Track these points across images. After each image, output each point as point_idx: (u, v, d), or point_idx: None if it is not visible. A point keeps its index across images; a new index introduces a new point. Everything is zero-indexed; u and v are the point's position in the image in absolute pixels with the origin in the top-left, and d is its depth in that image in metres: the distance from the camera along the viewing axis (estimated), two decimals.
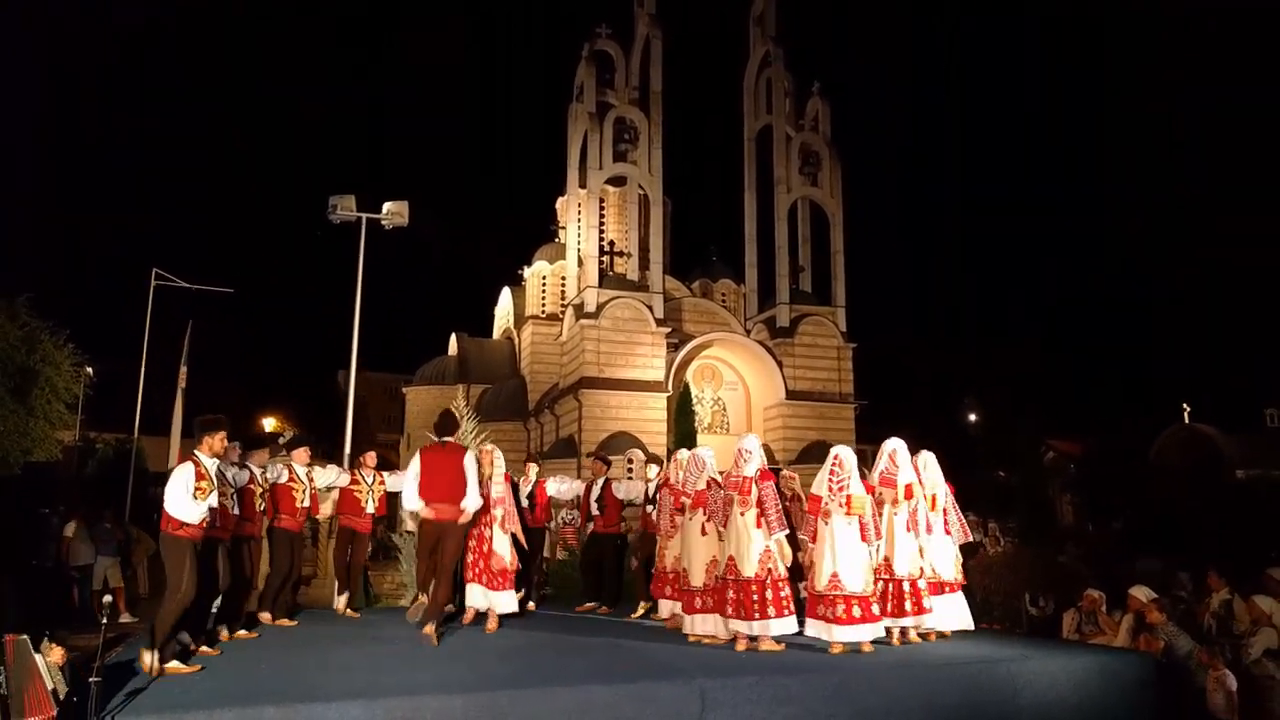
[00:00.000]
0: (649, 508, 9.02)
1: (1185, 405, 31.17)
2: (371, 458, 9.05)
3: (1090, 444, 31.51)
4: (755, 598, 6.60)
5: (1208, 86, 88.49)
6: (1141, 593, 8.08)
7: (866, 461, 7.80)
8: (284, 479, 7.92)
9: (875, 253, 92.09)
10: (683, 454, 7.94)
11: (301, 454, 8.44)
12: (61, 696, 4.56)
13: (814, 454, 27.82)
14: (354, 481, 8.61)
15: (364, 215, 12.41)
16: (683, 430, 26.05)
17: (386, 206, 12.57)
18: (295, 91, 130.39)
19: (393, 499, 9.24)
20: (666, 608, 8.00)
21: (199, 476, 5.74)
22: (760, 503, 6.73)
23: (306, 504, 8.17)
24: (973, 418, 42.13)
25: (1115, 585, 9.23)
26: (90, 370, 20.52)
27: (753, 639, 6.64)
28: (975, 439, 39.46)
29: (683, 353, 30.23)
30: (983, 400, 41.49)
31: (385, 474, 9.02)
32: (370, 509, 8.65)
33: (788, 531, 6.88)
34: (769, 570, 6.67)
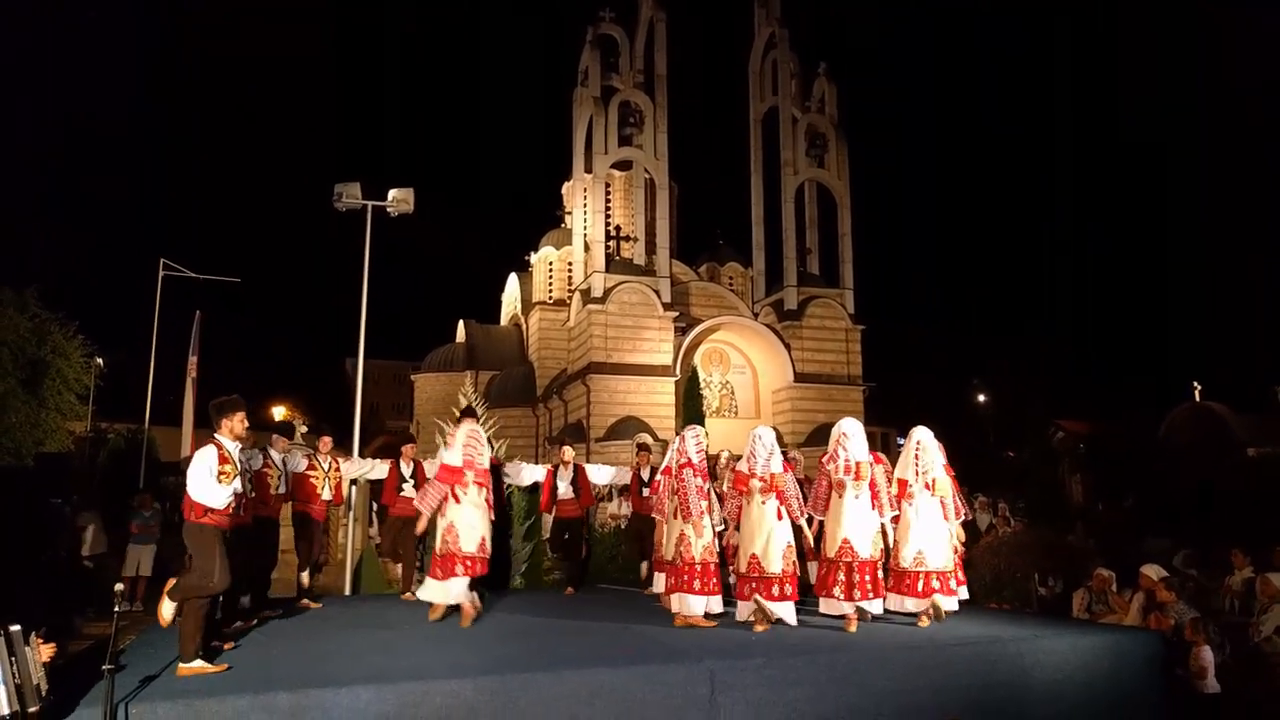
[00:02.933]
0: (644, 491, 9.16)
1: (1195, 384, 30.97)
2: (327, 443, 8.62)
3: (1099, 423, 31.41)
4: (868, 578, 7.01)
5: (1222, 66, 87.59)
6: (1152, 571, 8.06)
7: (875, 444, 7.86)
8: (303, 468, 8.02)
9: (883, 234, 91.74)
10: (690, 432, 7.51)
11: (324, 443, 8.57)
12: (43, 693, 4.47)
13: (822, 437, 27.72)
14: (310, 467, 8.20)
15: (369, 203, 12.38)
16: (691, 414, 26.08)
17: (392, 194, 12.53)
18: (302, 79, 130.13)
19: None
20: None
21: (222, 460, 5.46)
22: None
23: (328, 494, 8.26)
24: (981, 399, 42.06)
25: (1125, 564, 9.22)
26: (100, 361, 20.63)
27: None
28: (984, 420, 39.42)
29: (690, 337, 30.19)
30: (991, 381, 41.39)
31: (341, 459, 8.84)
32: (326, 495, 8.28)
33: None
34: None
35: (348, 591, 10.66)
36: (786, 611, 6.90)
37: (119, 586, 4.83)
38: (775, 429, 30.31)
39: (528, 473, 10.05)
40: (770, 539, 6.94)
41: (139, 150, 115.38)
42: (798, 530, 7.34)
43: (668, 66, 32.05)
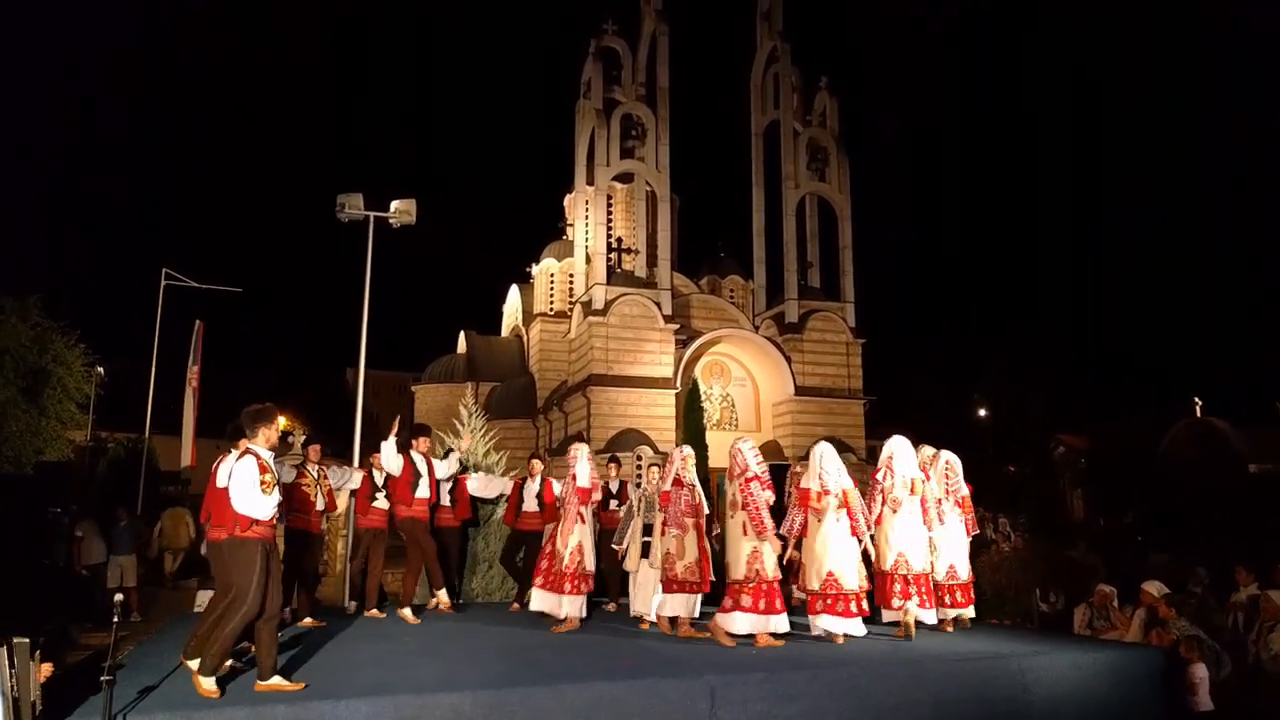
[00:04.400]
0: (611, 503, 9.25)
1: (1196, 399, 30.95)
2: (316, 451, 8.40)
3: (1100, 438, 31.36)
4: (923, 589, 7.37)
5: (1229, 81, 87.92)
6: (1154, 587, 8.04)
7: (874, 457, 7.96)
8: (293, 478, 7.90)
9: (884, 248, 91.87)
10: (747, 444, 7.28)
11: (313, 451, 8.43)
12: (37, 711, 4.39)
13: None
14: (301, 476, 8.03)
15: (372, 214, 12.41)
16: (691, 427, 26.03)
17: (394, 205, 12.55)
18: (304, 89, 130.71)
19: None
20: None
21: (262, 469, 5.30)
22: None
23: (322, 504, 8.16)
24: (982, 412, 41.99)
25: (1127, 579, 9.20)
26: (102, 370, 20.63)
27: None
28: (984, 433, 39.35)
29: (691, 349, 30.19)
30: (992, 394, 41.32)
31: (328, 469, 8.60)
32: (320, 505, 8.13)
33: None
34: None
35: (346, 603, 10.62)
36: (857, 627, 6.94)
37: (119, 597, 4.81)
38: (776, 442, 30.46)
39: (494, 484, 9.83)
40: (846, 555, 6.97)
41: (141, 158, 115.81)
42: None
43: (670, 79, 32.19)
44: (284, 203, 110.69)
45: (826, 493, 7.11)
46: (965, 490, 8.14)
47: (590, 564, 7.83)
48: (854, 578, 6.92)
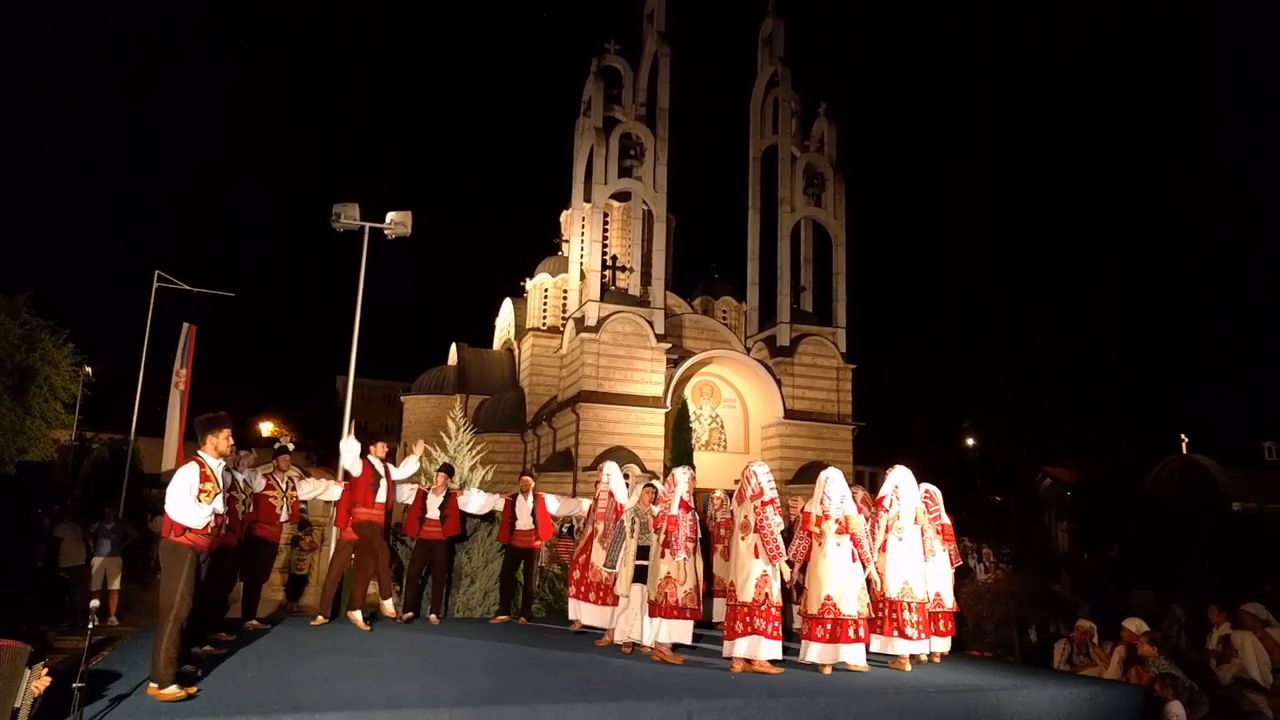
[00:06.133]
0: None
1: (1183, 435, 31.08)
2: (285, 461, 8.47)
3: (1086, 471, 31.44)
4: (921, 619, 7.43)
5: (1222, 114, 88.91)
6: (1134, 625, 8.06)
7: (864, 484, 8.00)
8: (261, 487, 7.89)
9: (878, 274, 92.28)
10: (762, 467, 7.32)
11: (283, 461, 8.45)
12: None
13: (810, 474, 27.74)
14: (269, 486, 8.02)
15: (367, 225, 12.44)
16: (680, 447, 25.97)
17: (390, 216, 12.60)
18: (302, 98, 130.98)
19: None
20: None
21: (203, 478, 5.35)
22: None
23: (286, 514, 8.14)
24: (970, 442, 42.13)
25: (1109, 615, 9.21)
26: (89, 370, 20.49)
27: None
28: (973, 463, 39.46)
29: (682, 369, 30.22)
30: (980, 425, 41.46)
31: (301, 479, 8.66)
32: (284, 516, 8.14)
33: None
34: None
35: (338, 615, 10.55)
36: (855, 654, 6.86)
37: (94, 603, 4.78)
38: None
39: (479, 500, 9.78)
40: (846, 581, 6.93)
41: (136, 160, 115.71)
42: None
43: (670, 101, 32.38)
44: (280, 208, 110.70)
45: (827, 517, 7.13)
46: (946, 520, 8.24)
47: None
48: (853, 604, 6.88)
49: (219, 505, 5.46)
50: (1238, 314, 73.05)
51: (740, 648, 6.75)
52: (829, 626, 6.85)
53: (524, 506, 9.39)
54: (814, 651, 6.93)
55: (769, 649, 6.70)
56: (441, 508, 9.12)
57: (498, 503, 9.81)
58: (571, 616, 8.68)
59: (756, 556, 6.85)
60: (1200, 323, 73.93)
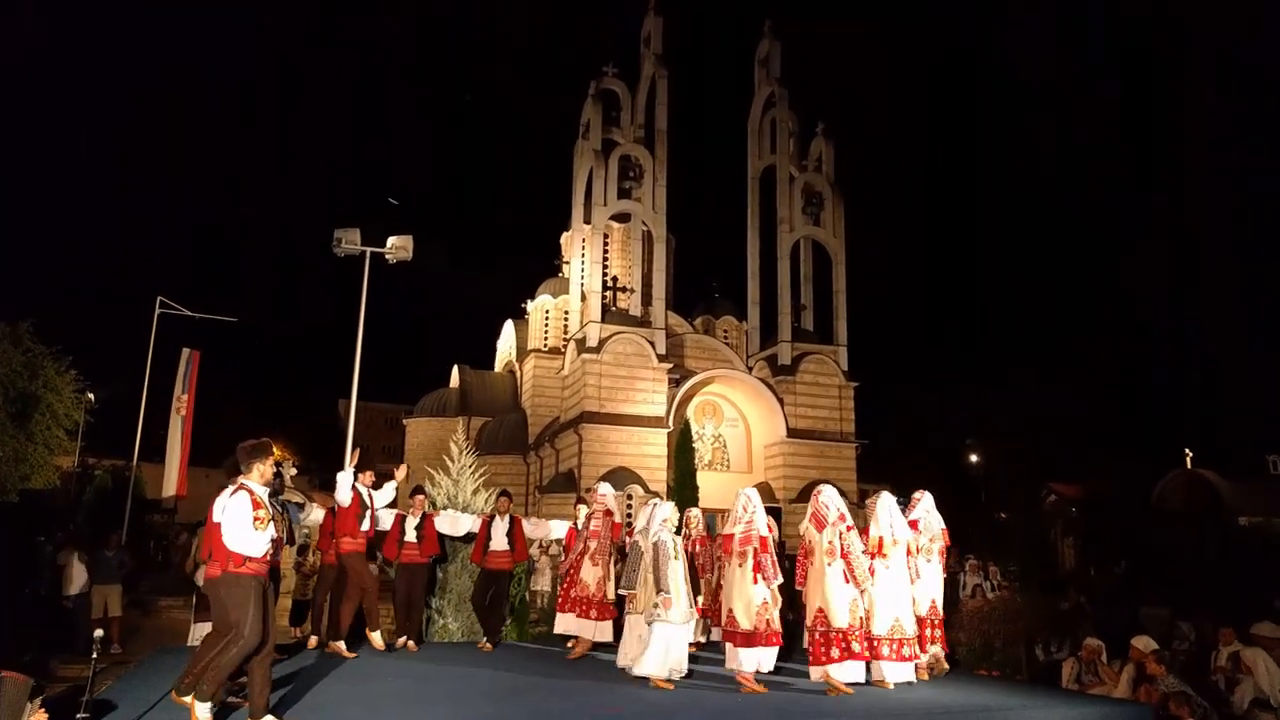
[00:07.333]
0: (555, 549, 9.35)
1: (1187, 450, 31.02)
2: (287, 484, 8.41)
3: (1091, 487, 31.34)
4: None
5: (1224, 127, 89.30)
6: (1142, 643, 8.02)
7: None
8: (301, 515, 7.88)
9: (879, 292, 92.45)
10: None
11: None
12: None
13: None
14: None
15: (368, 249, 12.51)
16: (682, 467, 25.90)
17: (391, 241, 12.68)
18: (302, 122, 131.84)
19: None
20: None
21: (255, 505, 5.32)
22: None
23: (287, 539, 8.07)
24: (974, 459, 42.02)
25: (1117, 633, 9.15)
26: (91, 396, 20.54)
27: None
28: (977, 480, 39.33)
29: (684, 389, 30.20)
30: (983, 442, 41.37)
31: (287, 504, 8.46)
32: (286, 540, 7.94)
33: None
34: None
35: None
36: (847, 672, 6.83)
37: (99, 632, 4.76)
38: (767, 484, 30.39)
39: (463, 522, 9.69)
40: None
41: (138, 186, 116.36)
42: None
43: (668, 122, 32.56)
44: (280, 234, 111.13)
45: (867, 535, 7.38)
46: (942, 526, 8.13)
47: (612, 593, 8.41)
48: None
49: (273, 531, 5.44)
50: (1243, 327, 73.05)
51: (849, 672, 6.82)
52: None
53: (500, 527, 9.26)
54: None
55: (853, 671, 6.84)
56: (418, 529, 9.04)
57: (473, 524, 9.64)
58: (558, 630, 8.81)
59: (846, 581, 6.97)
60: (1205, 337, 73.96)
